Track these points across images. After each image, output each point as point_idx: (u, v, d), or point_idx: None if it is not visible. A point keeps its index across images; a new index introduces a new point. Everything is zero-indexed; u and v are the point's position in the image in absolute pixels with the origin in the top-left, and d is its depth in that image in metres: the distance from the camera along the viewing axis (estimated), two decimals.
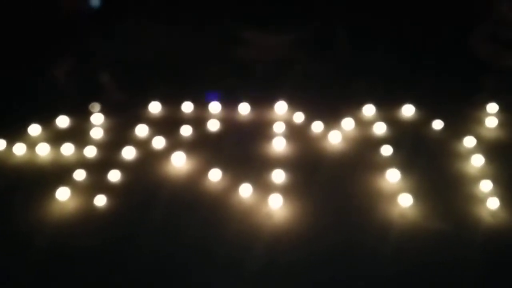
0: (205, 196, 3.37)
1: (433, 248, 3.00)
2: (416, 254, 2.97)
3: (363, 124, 3.96)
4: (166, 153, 3.69)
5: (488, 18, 4.08)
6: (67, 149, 3.73)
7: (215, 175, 3.47)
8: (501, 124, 3.91)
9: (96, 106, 4.19)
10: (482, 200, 3.27)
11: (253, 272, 2.88)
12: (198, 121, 4.04)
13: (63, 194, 3.34)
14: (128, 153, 3.71)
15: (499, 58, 4.02)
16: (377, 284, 2.85)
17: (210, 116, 4.08)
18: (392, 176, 3.43)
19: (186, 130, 3.92)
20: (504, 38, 4.03)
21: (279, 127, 3.94)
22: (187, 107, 4.17)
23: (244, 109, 4.15)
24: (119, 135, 3.91)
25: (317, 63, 4.68)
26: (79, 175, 3.51)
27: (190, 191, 3.41)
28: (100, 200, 3.32)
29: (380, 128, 3.90)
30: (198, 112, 4.15)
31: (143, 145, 3.80)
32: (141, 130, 3.93)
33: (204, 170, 3.53)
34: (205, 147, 3.78)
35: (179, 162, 3.62)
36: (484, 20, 4.11)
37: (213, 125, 4.00)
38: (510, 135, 3.84)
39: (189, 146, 3.77)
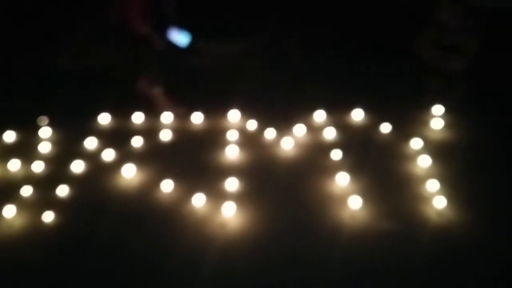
0: (157, 207, 3.34)
1: (383, 248, 3.06)
2: (366, 254, 3.02)
3: (314, 130, 4.02)
4: (116, 165, 3.64)
5: (431, 24, 4.22)
6: (14, 165, 3.62)
7: (167, 186, 3.44)
8: (447, 125, 4.04)
9: (44, 120, 4.09)
10: (430, 199, 3.36)
11: (206, 282, 2.86)
12: (149, 131, 4.00)
13: (9, 211, 3.23)
14: (77, 166, 3.63)
15: (442, 62, 4.16)
16: (330, 286, 2.87)
17: (162, 126, 4.06)
18: (342, 180, 3.49)
19: (137, 141, 3.87)
20: (446, 44, 4.17)
21: (232, 135, 3.95)
22: (138, 117, 4.13)
23: (197, 118, 4.14)
24: (67, 148, 3.82)
25: (269, 71, 4.73)
26: (26, 191, 3.41)
27: (141, 203, 3.37)
28: (48, 216, 3.23)
29: (330, 133, 3.96)
30: (149, 122, 4.12)
31: (92, 158, 3.73)
32: (90, 143, 3.85)
33: (156, 181, 3.49)
34: (157, 158, 3.74)
35: (130, 174, 3.57)
36: (427, 27, 4.24)
37: (165, 135, 3.97)
38: (456, 136, 3.97)
39: (140, 158, 3.73)
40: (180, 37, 4.06)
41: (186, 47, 4.14)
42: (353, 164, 3.64)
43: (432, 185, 3.43)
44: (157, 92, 4.19)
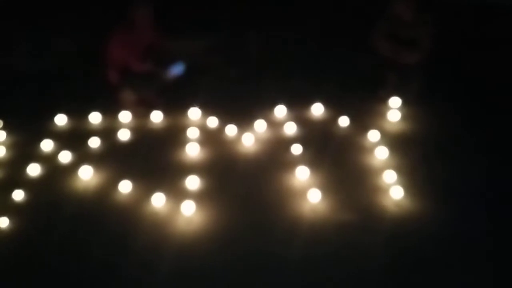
0: (115, 209, 3.29)
1: (342, 239, 3.09)
2: (326, 246, 3.05)
3: (275, 125, 4.04)
4: (73, 167, 3.58)
5: (387, 18, 4.28)
6: None
7: (125, 187, 3.39)
8: (403, 117, 4.12)
9: None
10: (387, 190, 3.41)
11: (164, 282, 2.84)
12: (107, 131, 3.95)
13: None
14: (33, 170, 3.54)
15: (398, 55, 4.24)
16: (291, 278, 2.89)
17: (120, 126, 4.00)
18: (302, 174, 3.52)
19: (94, 142, 3.81)
20: (401, 37, 4.25)
21: (192, 133, 3.93)
22: (95, 118, 4.07)
23: (156, 116, 4.10)
24: (23, 151, 3.74)
25: (229, 67, 4.72)
26: None
27: (99, 205, 3.32)
28: (3, 222, 3.15)
29: (290, 128, 3.99)
30: (107, 122, 4.06)
31: (48, 160, 3.65)
32: (47, 145, 3.77)
33: (114, 182, 3.44)
34: (116, 158, 3.69)
35: (87, 176, 3.51)
36: (383, 20, 4.30)
37: (124, 135, 3.92)
38: (412, 127, 4.06)
39: (98, 159, 3.67)
40: (175, 69, 4.12)
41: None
42: (313, 158, 3.67)
43: (390, 176, 3.50)
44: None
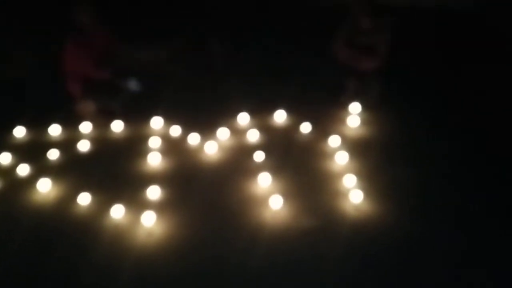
0: (73, 221, 3.25)
1: (303, 245, 3.12)
2: (287, 251, 3.07)
3: (238, 133, 4.06)
4: (31, 180, 3.52)
5: (346, 25, 4.35)
6: None
7: (84, 199, 3.36)
8: (363, 122, 4.19)
9: None
10: (347, 194, 3.45)
11: None
12: (67, 143, 3.90)
13: None
14: None
15: (357, 61, 4.31)
16: (252, 286, 2.90)
17: (80, 137, 3.96)
18: (264, 180, 3.54)
19: (53, 154, 3.76)
20: (360, 43, 4.33)
21: (154, 142, 3.92)
22: (55, 129, 4.01)
23: (117, 126, 4.08)
24: None
25: (191, 75, 4.72)
26: None
27: (57, 218, 3.27)
28: None
29: (253, 135, 4.02)
30: (67, 133, 4.01)
31: (6, 174, 3.59)
32: (4, 158, 3.71)
33: (73, 194, 3.40)
34: (75, 170, 3.65)
35: (45, 189, 3.46)
36: (342, 27, 4.38)
37: (83, 146, 3.88)
38: (372, 132, 4.12)
39: (57, 171, 3.62)
40: (129, 86, 4.13)
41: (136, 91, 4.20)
42: (275, 164, 3.70)
43: (349, 181, 3.54)
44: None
